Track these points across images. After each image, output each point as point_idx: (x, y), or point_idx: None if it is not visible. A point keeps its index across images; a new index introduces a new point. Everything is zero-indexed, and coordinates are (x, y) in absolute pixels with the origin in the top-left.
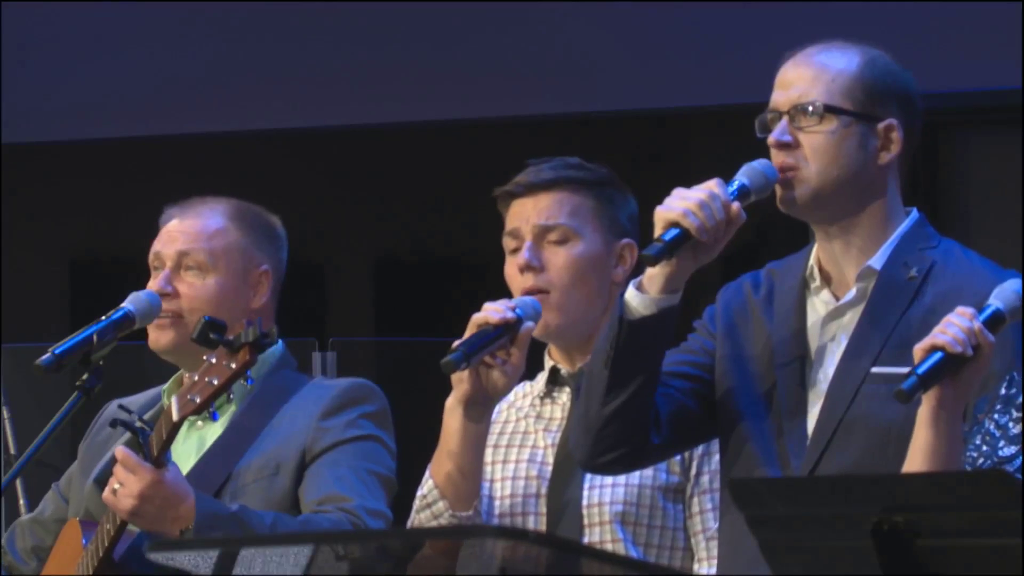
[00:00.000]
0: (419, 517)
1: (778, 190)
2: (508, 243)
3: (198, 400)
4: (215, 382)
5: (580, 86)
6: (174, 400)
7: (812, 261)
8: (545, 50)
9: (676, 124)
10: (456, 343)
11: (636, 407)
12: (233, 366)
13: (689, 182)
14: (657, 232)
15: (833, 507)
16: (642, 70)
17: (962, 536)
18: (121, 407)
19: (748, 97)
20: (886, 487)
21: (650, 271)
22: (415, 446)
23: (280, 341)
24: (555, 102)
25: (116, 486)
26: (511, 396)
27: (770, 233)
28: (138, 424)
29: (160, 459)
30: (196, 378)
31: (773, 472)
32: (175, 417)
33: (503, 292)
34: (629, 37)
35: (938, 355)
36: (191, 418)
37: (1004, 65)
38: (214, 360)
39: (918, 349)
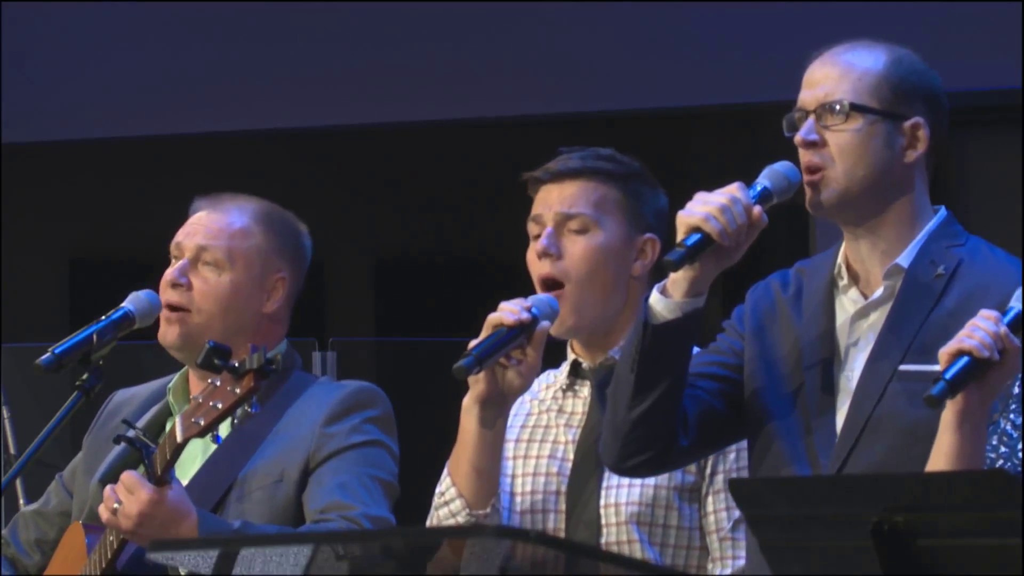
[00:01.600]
0: (437, 514)
1: (806, 192)
2: (531, 228)
3: (202, 423)
4: (219, 406)
5: (580, 86)
6: (179, 421)
7: (840, 260)
8: (545, 50)
9: (676, 124)
10: (471, 344)
11: (663, 410)
12: (238, 391)
13: (689, 182)
14: (679, 237)
15: (833, 507)
16: (642, 70)
17: (962, 536)
18: (124, 422)
19: (748, 97)
20: (886, 487)
21: (673, 275)
22: (415, 446)
23: (285, 340)
24: (555, 102)
25: (116, 505)
26: (535, 386)
27: (769, 233)
28: (142, 441)
29: (163, 477)
30: (201, 400)
31: (802, 470)
32: (179, 439)
33: (503, 292)
34: (629, 37)
35: (965, 359)
36: None
37: (1004, 65)
38: (219, 383)
39: (944, 353)
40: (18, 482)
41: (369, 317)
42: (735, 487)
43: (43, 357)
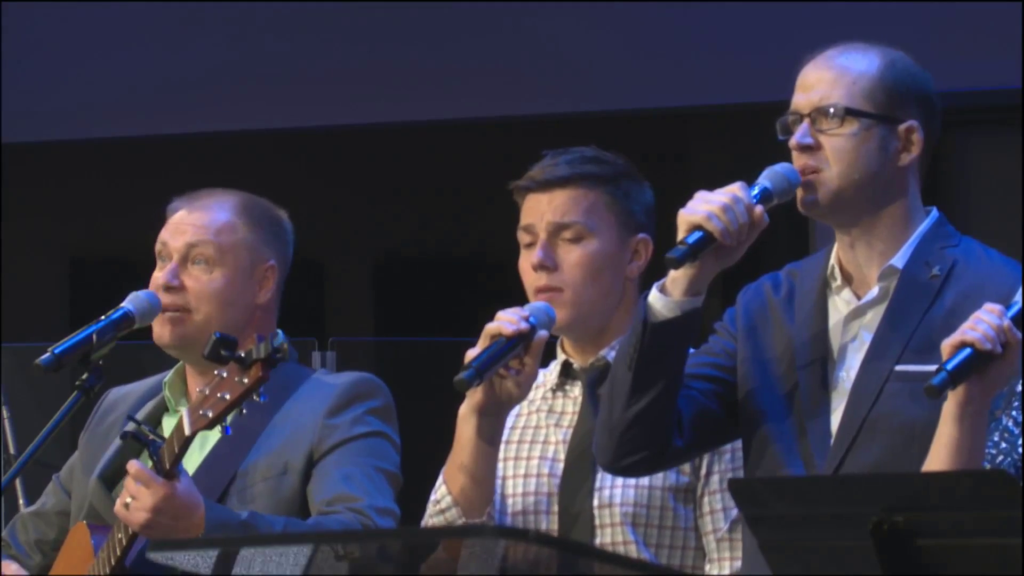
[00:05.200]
0: (431, 523)
1: (799, 193)
2: (523, 237)
3: (211, 415)
4: (227, 397)
5: (580, 86)
6: (186, 414)
7: (832, 261)
8: (545, 50)
9: (676, 124)
10: (469, 355)
11: (659, 410)
12: (246, 381)
13: (689, 182)
14: (680, 235)
15: (833, 507)
16: (642, 70)
17: (962, 536)
18: (130, 418)
19: (748, 97)
20: (886, 487)
21: (673, 274)
22: (415, 445)
23: (280, 333)
24: (556, 102)
25: (128, 500)
26: None
27: (769, 233)
28: (149, 437)
29: (172, 471)
30: (208, 392)
31: (797, 472)
32: (187, 431)
33: (503, 292)
34: (629, 37)
35: (967, 351)
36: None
37: (1004, 65)
38: (225, 374)
39: (947, 345)
40: (18, 482)
41: (368, 317)
42: (735, 487)
43: (43, 357)
